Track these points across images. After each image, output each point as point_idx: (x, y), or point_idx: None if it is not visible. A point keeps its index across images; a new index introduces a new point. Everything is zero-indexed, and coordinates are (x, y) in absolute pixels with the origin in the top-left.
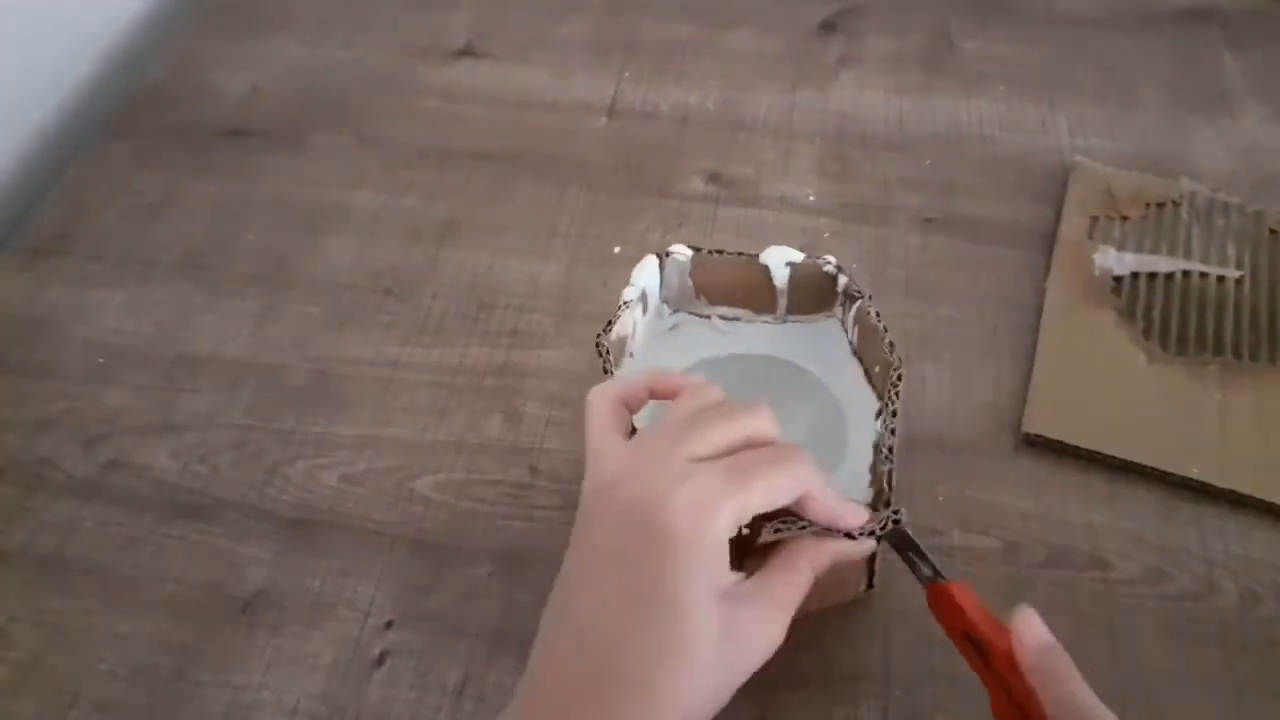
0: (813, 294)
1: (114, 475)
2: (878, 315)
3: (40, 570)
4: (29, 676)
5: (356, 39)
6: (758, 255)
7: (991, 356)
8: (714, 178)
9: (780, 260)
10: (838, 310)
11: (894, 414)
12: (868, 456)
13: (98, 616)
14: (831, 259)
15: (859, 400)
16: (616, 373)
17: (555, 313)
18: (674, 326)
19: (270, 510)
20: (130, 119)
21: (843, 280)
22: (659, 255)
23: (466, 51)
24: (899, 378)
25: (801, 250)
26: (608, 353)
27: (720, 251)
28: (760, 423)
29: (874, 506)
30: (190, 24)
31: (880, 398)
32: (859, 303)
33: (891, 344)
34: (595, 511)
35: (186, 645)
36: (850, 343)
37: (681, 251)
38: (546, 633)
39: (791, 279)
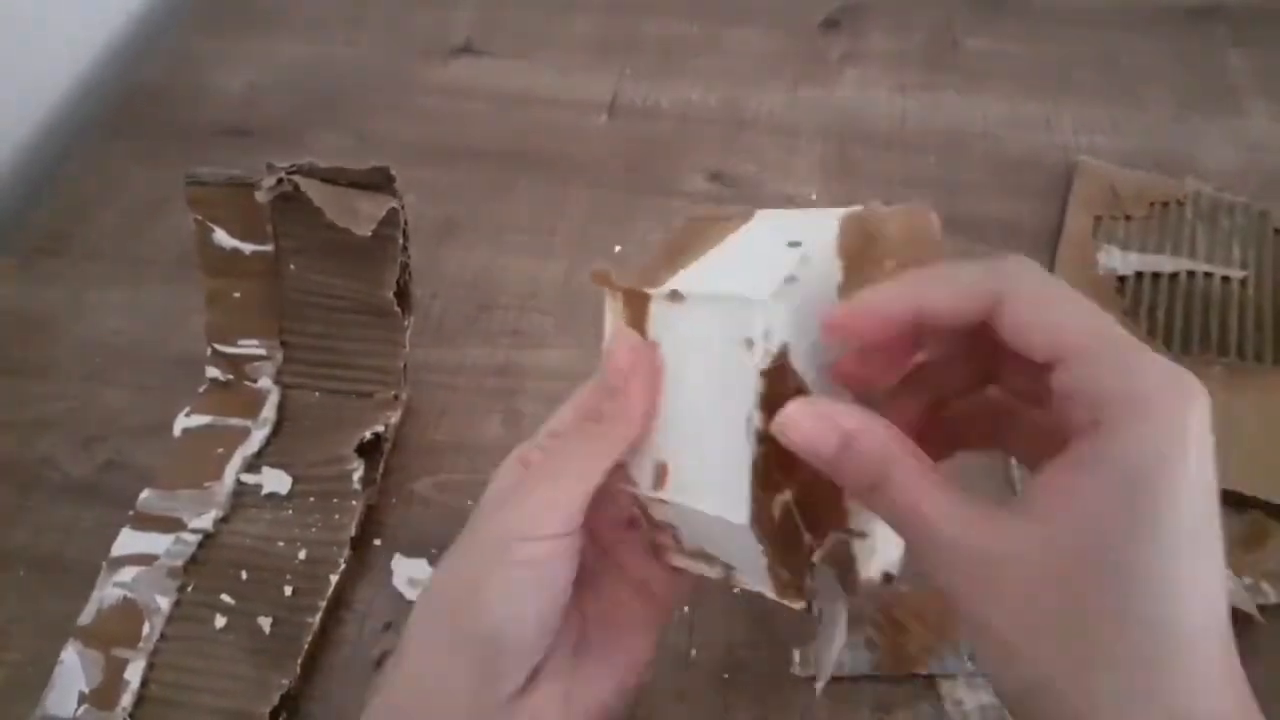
0: None
1: (113, 475)
2: None
3: (40, 571)
4: (28, 677)
5: (356, 37)
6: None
7: None
8: (716, 176)
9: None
10: None
11: None
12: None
13: None
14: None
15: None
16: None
17: (556, 312)
18: None
19: None
20: (128, 118)
21: None
22: None
23: (467, 49)
24: None
25: None
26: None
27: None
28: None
29: None
30: (188, 22)
31: None
32: None
33: None
34: None
35: None
36: None
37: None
38: None
39: None
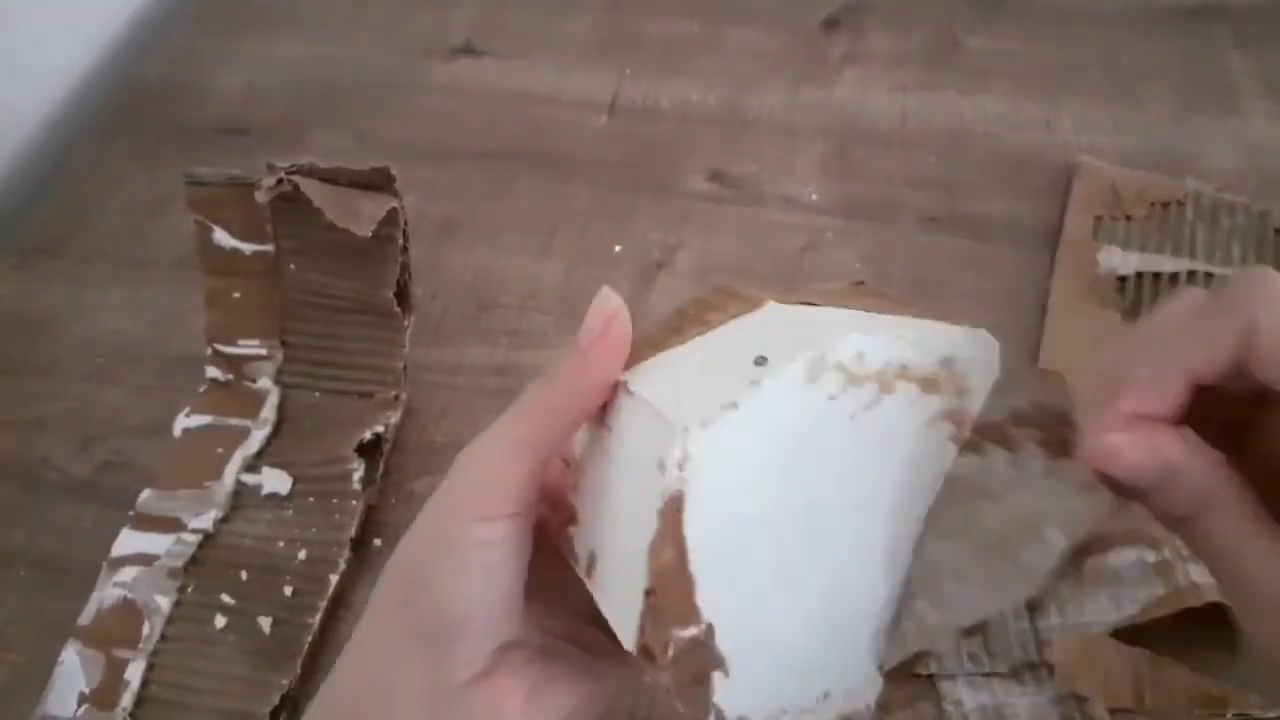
0: None
1: (112, 475)
2: None
3: (39, 571)
4: (28, 678)
5: (356, 36)
6: None
7: None
8: (716, 176)
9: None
10: None
11: None
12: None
13: None
14: None
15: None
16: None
17: (556, 312)
18: None
19: None
20: (128, 118)
21: None
22: None
23: (467, 49)
24: None
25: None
26: None
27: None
28: None
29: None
30: (188, 22)
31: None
32: None
33: None
34: None
35: None
36: None
37: None
38: None
39: None
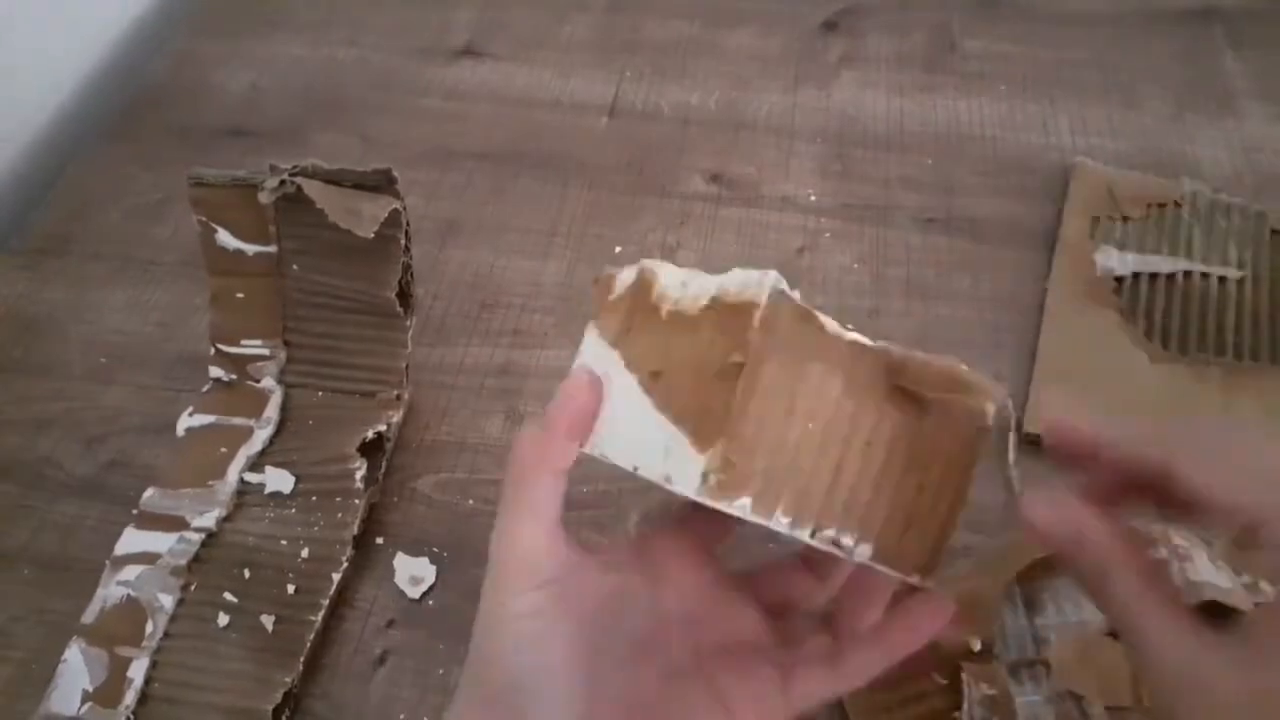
0: None
1: (115, 475)
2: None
3: (43, 569)
4: (32, 675)
5: (357, 38)
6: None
7: (992, 356)
8: (715, 177)
9: None
10: None
11: None
12: None
13: None
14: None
15: None
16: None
17: (556, 312)
18: None
19: None
20: (131, 119)
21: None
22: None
23: (468, 51)
24: None
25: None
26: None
27: None
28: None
29: None
30: (191, 23)
31: None
32: None
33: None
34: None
35: None
36: None
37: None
38: None
39: None
